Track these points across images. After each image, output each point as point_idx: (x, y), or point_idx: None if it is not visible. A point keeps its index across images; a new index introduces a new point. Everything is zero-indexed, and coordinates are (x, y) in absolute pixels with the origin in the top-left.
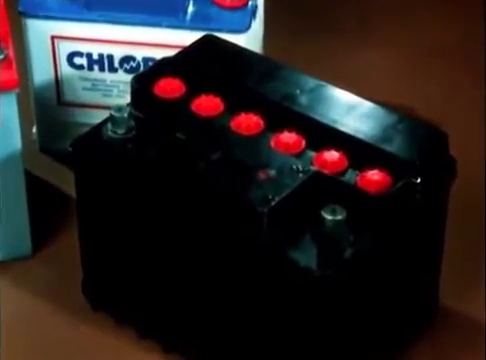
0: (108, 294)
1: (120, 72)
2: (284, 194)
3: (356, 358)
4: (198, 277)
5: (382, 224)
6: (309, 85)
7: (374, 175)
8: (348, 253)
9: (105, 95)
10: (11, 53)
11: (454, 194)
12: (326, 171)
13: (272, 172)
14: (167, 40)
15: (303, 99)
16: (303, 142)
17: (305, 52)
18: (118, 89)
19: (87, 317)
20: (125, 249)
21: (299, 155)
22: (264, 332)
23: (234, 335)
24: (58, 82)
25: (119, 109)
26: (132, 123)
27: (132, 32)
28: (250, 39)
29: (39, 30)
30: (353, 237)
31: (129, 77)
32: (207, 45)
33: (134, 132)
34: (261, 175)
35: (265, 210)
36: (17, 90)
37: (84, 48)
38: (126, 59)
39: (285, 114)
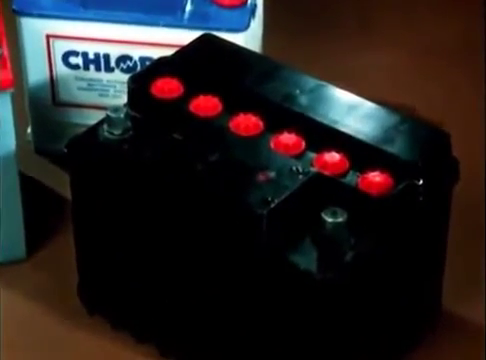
0: (104, 298)
1: (116, 72)
2: (284, 196)
3: None
4: (196, 281)
5: (383, 227)
6: (309, 85)
7: (375, 177)
8: (349, 256)
9: (101, 95)
10: (5, 52)
11: (454, 195)
12: (326, 172)
13: (271, 174)
14: (164, 39)
15: (303, 99)
16: (303, 143)
17: (305, 51)
18: (114, 89)
19: (83, 321)
20: (122, 252)
21: (299, 156)
22: (263, 337)
23: (233, 340)
24: (53, 82)
25: (115, 109)
26: (129, 124)
27: (129, 31)
28: (249, 38)
29: (34, 29)
30: (354, 240)
31: (126, 77)
32: (205, 44)
33: (131, 133)
34: (260, 177)
35: (264, 212)
36: (12, 90)
37: (80, 47)
38: (123, 58)
39: (285, 114)
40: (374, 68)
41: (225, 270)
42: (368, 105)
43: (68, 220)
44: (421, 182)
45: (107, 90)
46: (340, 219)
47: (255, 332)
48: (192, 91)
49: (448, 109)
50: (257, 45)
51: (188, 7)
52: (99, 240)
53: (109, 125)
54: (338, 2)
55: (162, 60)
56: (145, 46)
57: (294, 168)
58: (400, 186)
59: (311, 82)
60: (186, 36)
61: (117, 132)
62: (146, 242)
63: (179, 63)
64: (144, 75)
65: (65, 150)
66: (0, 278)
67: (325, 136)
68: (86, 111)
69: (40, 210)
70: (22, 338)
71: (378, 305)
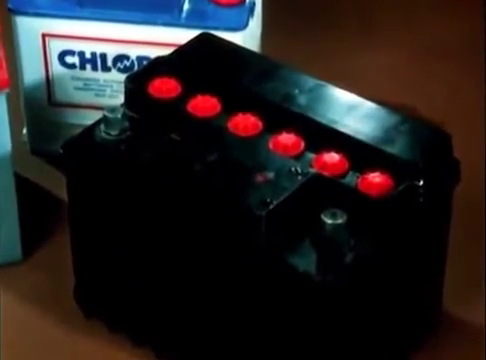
0: (101, 300)
1: (113, 71)
2: (283, 197)
3: None
4: (194, 283)
5: (384, 228)
6: (308, 85)
7: (375, 177)
8: (349, 258)
9: (98, 95)
10: (1, 52)
11: (454, 196)
12: (326, 173)
13: (270, 174)
14: (162, 38)
15: (302, 99)
16: (302, 143)
17: (304, 51)
18: (111, 89)
19: (79, 324)
20: (119, 254)
21: (298, 157)
22: (262, 339)
23: (231, 342)
24: (49, 82)
25: (112, 110)
26: (126, 124)
27: (126, 30)
28: (247, 37)
29: (29, 28)
30: (354, 241)
31: (123, 76)
32: (203, 43)
33: (128, 133)
34: (259, 177)
35: (263, 214)
36: (7, 90)
37: (76, 46)
38: (120, 58)
39: (284, 115)
40: (374, 68)
41: (223, 272)
42: (368, 105)
43: (64, 222)
44: (422, 183)
45: (104, 90)
46: (340, 220)
47: (254, 335)
48: (190, 91)
49: (449, 109)
50: (256, 44)
51: (186, 6)
52: (96, 242)
53: (106, 125)
54: (338, 2)
55: (159, 59)
56: (142, 45)
57: (293, 169)
58: (400, 187)
59: (310, 82)
60: (184, 35)
61: (114, 132)
62: (143, 244)
63: (177, 62)
64: (141, 75)
65: (61, 151)
66: None
67: (324, 136)
68: (82, 111)
69: (36, 211)
70: (18, 340)
71: (378, 307)
